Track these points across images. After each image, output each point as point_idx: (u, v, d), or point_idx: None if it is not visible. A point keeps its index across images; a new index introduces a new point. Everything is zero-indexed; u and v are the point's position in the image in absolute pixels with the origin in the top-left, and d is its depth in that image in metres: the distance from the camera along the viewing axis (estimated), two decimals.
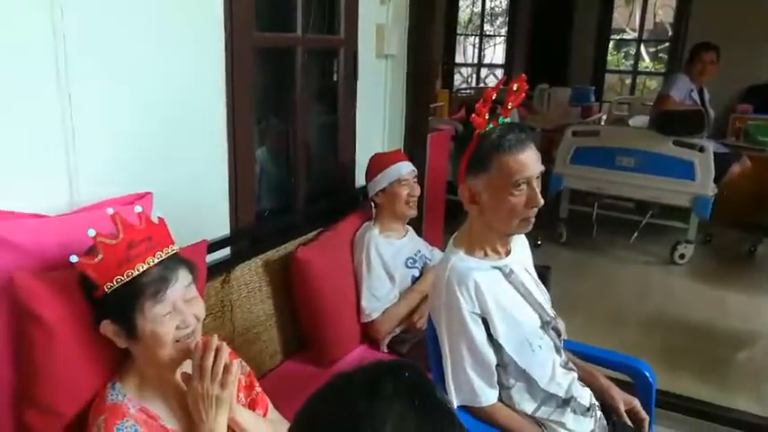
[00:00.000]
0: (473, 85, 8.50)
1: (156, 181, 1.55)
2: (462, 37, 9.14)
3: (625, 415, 1.47)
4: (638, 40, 7.56)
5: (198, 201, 1.76)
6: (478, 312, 1.34)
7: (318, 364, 2.00)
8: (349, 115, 2.46)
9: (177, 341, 1.08)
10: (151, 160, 1.58)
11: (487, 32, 9.15)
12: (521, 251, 1.54)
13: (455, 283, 1.34)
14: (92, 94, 1.39)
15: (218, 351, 1.06)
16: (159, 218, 1.13)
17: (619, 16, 8.01)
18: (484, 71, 8.97)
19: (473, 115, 1.36)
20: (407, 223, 2.32)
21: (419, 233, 2.51)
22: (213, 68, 1.77)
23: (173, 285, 1.06)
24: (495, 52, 9.17)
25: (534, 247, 4.37)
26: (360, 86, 2.49)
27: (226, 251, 1.87)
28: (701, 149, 3.96)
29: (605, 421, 1.47)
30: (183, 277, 1.09)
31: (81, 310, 1.10)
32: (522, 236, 1.62)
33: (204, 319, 1.73)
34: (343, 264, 2.10)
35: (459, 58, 9.16)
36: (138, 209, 1.07)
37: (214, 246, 1.79)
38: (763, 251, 4.54)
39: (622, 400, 1.49)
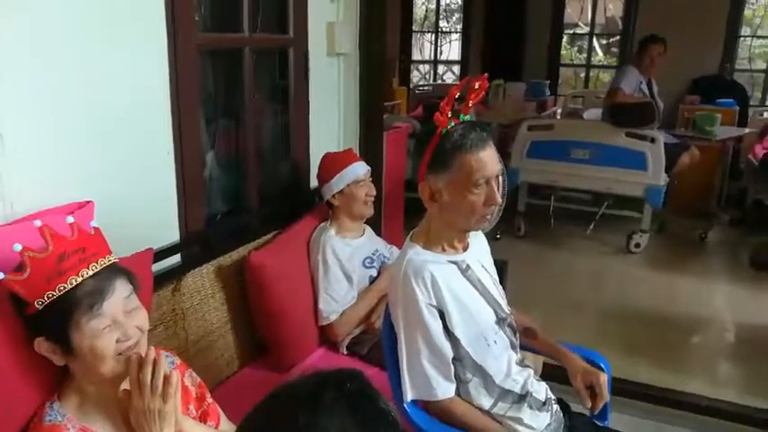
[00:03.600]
0: (431, 81, 8.52)
1: (100, 188, 1.50)
2: (419, 34, 9.17)
3: (583, 392, 1.47)
4: (590, 35, 7.70)
5: (144, 207, 1.70)
6: (435, 305, 1.34)
7: (277, 370, 1.96)
8: (301, 115, 2.43)
9: (119, 354, 1.04)
10: (94, 167, 1.53)
11: (443, 29, 9.20)
12: (478, 248, 1.54)
13: (412, 276, 1.34)
14: (23, 97, 1.33)
15: (155, 363, 1.02)
16: (95, 227, 1.08)
17: (571, 11, 8.14)
18: (442, 68, 9.02)
19: (436, 114, 1.36)
20: (365, 222, 2.30)
21: (378, 232, 2.49)
22: (157, 70, 1.71)
23: (110, 297, 1.02)
24: (452, 49, 9.22)
25: (493, 240, 4.49)
26: (312, 86, 2.46)
27: (176, 258, 1.82)
28: (653, 140, 4.06)
29: (562, 414, 1.48)
30: (121, 288, 1.04)
31: (14, 327, 1.05)
32: (481, 233, 1.63)
33: (156, 329, 1.71)
34: (299, 266, 2.07)
35: (416, 55, 9.19)
36: (70, 219, 1.02)
37: (163, 253, 1.74)
38: (714, 237, 4.68)
39: (580, 375, 1.47)
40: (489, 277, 1.49)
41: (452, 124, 1.35)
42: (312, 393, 0.67)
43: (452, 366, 1.35)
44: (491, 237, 4.67)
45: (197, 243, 1.93)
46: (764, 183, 4.41)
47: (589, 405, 1.47)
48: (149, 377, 1.00)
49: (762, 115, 5.69)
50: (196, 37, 1.83)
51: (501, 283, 1.59)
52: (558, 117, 6.29)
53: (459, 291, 1.39)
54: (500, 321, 1.44)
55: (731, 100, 5.73)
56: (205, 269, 1.88)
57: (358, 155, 2.51)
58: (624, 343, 3.05)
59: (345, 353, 2.08)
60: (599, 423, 1.52)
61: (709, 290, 3.78)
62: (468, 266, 1.44)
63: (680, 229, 4.82)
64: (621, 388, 2.45)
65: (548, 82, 6.65)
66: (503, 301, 1.50)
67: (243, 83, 2.13)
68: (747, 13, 7.05)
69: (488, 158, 1.33)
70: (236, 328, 1.99)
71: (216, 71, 2.22)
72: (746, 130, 5.36)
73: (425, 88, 7.59)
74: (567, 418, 1.49)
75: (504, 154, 4.41)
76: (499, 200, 1.36)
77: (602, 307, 3.52)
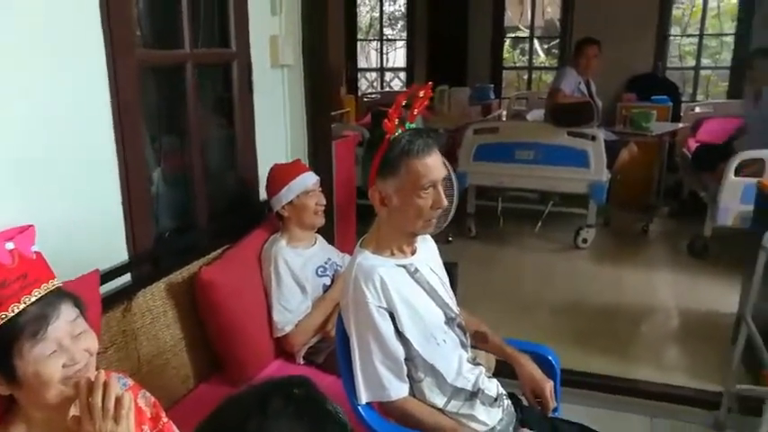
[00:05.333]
0: (378, 89, 8.59)
1: (42, 211, 1.47)
2: (365, 42, 9.24)
3: (532, 401, 1.54)
4: (530, 37, 7.91)
5: (90, 228, 1.67)
6: (385, 307, 1.38)
7: (234, 384, 1.95)
8: (247, 128, 2.43)
9: (67, 378, 1.03)
10: (34, 189, 1.50)
11: (388, 37, 9.29)
12: (427, 251, 1.58)
13: (362, 280, 1.38)
14: None
15: (106, 386, 1.01)
16: (36, 252, 1.07)
17: (512, 15, 8.35)
18: (389, 75, 9.10)
19: (385, 120, 1.41)
20: (317, 231, 2.32)
21: (331, 241, 2.51)
22: (98, 89, 1.69)
23: (54, 322, 1.01)
24: (398, 56, 9.31)
25: (446, 243, 4.57)
26: (257, 98, 2.46)
27: (126, 278, 1.80)
28: (593, 138, 4.21)
29: (513, 408, 1.53)
30: (66, 312, 1.03)
31: None
32: (429, 237, 1.67)
33: (106, 351, 1.68)
34: (251, 279, 2.07)
35: (363, 63, 9.25)
36: (10, 245, 1.00)
37: (111, 273, 1.72)
38: (655, 229, 4.88)
39: (528, 386, 1.54)
40: (438, 279, 1.53)
41: (400, 131, 1.40)
42: (260, 401, 0.68)
43: (405, 367, 1.39)
44: (443, 240, 4.75)
45: (146, 262, 1.91)
46: (697, 175, 4.61)
47: (539, 409, 1.54)
48: (100, 400, 0.99)
49: (693, 110, 5.95)
50: (136, 54, 1.82)
51: (452, 284, 1.64)
52: (504, 119, 6.44)
53: (408, 293, 1.43)
54: (449, 321, 1.48)
55: (665, 97, 5.97)
56: (156, 287, 1.87)
57: (307, 165, 2.53)
58: (575, 335, 3.14)
59: (302, 362, 2.09)
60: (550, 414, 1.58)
61: (653, 279, 3.94)
62: (416, 269, 1.48)
63: (624, 223, 5.00)
64: (575, 379, 2.55)
65: (492, 85, 6.79)
66: (452, 302, 1.54)
67: (186, 98, 2.12)
68: (676, 12, 7.38)
69: (434, 164, 1.39)
70: (190, 345, 1.97)
71: (159, 87, 2.21)
72: (680, 125, 5.61)
73: (373, 96, 7.66)
74: (519, 412, 1.54)
75: (452, 158, 4.51)
76: (445, 203, 1.41)
77: (553, 302, 3.62)
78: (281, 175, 2.24)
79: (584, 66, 4.45)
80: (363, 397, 1.38)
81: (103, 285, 1.64)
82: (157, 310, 1.86)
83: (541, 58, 9.27)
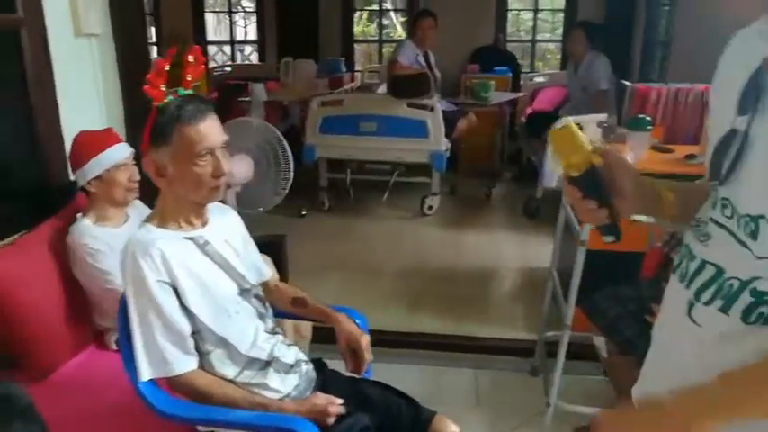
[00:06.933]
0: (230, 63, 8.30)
1: None
2: (221, 14, 8.87)
3: (344, 354, 1.56)
4: (380, 10, 8.02)
5: None
6: (167, 281, 1.34)
7: (34, 380, 1.81)
8: (46, 102, 2.23)
9: None
10: None
11: (239, 9, 8.96)
12: (223, 224, 1.54)
13: (139, 255, 1.34)
14: None
15: None
16: None
17: None
18: (249, 48, 8.80)
19: (146, 87, 1.35)
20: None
21: None
22: None
23: None
24: (251, 29, 9.03)
25: (299, 217, 4.54)
26: (61, 70, 2.26)
27: None
28: (432, 109, 4.35)
29: (314, 374, 1.55)
30: None
31: None
32: (230, 210, 1.64)
33: None
34: (49, 266, 1.91)
35: (215, 36, 8.88)
36: None
37: None
38: (497, 194, 5.20)
39: (344, 338, 1.55)
40: (233, 251, 1.51)
41: (170, 98, 1.35)
42: None
43: (191, 340, 1.36)
44: (296, 214, 4.74)
45: None
46: (530, 141, 4.93)
47: (350, 367, 1.56)
48: None
49: (531, 80, 6.35)
50: None
51: (276, 257, 1.62)
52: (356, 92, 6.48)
53: (196, 266, 1.40)
54: (244, 293, 1.47)
55: (506, 68, 6.31)
56: None
57: (125, 136, 2.37)
58: (414, 298, 3.28)
59: (115, 348, 1.98)
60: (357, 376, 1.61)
61: (491, 241, 4.19)
62: (206, 242, 1.44)
63: (469, 190, 5.26)
64: (406, 340, 2.65)
65: (343, 58, 6.79)
66: (249, 274, 1.52)
67: None
68: None
69: (209, 130, 1.36)
70: None
71: None
72: (520, 95, 5.97)
73: (226, 69, 7.39)
74: (321, 377, 1.56)
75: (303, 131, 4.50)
76: (226, 171, 1.38)
77: (397, 267, 3.74)
78: (87, 145, 2.04)
79: (421, 38, 4.57)
80: (146, 374, 1.34)
81: None
82: None
83: (399, 31, 9.43)
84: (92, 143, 2.06)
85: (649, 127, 2.58)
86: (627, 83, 3.42)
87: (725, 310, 0.79)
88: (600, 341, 2.35)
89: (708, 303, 0.81)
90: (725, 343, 0.79)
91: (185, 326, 1.35)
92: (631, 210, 0.94)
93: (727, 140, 0.80)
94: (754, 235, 0.76)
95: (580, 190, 0.89)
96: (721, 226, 0.83)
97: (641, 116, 2.63)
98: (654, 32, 5.51)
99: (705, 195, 0.91)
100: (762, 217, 0.74)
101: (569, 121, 0.90)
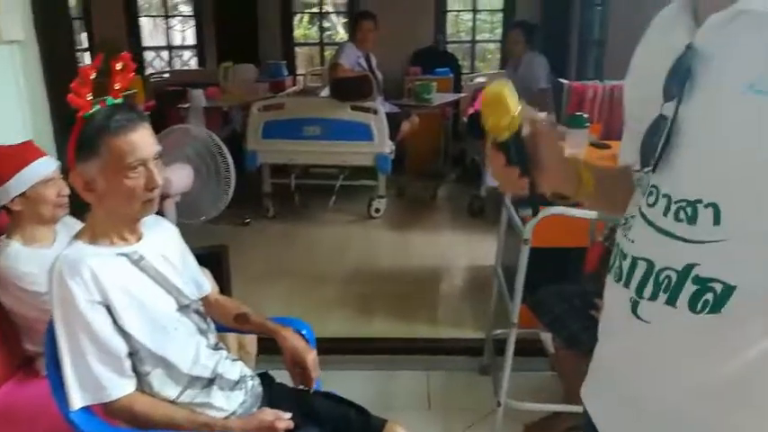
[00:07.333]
0: (168, 69, 8.08)
1: None
2: (158, 19, 8.61)
3: (291, 371, 1.52)
4: (320, 13, 7.98)
5: None
6: (99, 300, 1.27)
7: None
8: None
9: None
10: None
11: (176, 13, 8.73)
12: (158, 237, 1.47)
13: (66, 275, 1.26)
14: None
15: None
16: None
17: None
18: (188, 54, 8.57)
19: (70, 96, 1.29)
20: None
21: None
22: None
23: None
24: (189, 33, 8.81)
25: (243, 225, 4.43)
26: None
27: None
28: (375, 112, 4.33)
29: (260, 389, 1.50)
30: None
31: None
32: (167, 223, 1.57)
33: None
34: None
35: (151, 42, 8.61)
36: None
37: None
38: (442, 194, 5.23)
39: (289, 355, 1.50)
40: (170, 266, 1.44)
41: (98, 107, 1.29)
42: None
43: (128, 361, 1.29)
44: (239, 222, 4.62)
45: None
46: (473, 141, 4.98)
47: (299, 384, 1.52)
48: None
49: (472, 81, 6.42)
50: None
51: (218, 268, 1.56)
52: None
53: (131, 284, 1.33)
54: (183, 309, 1.40)
55: (447, 69, 6.36)
56: None
57: (54, 148, 2.25)
58: (362, 302, 3.23)
59: (45, 373, 1.87)
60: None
61: (437, 241, 4.20)
62: (141, 257, 1.37)
63: (416, 191, 5.27)
64: (355, 346, 2.62)
65: (284, 62, 6.71)
66: (188, 288, 1.46)
67: None
68: None
69: (140, 140, 1.29)
70: None
71: None
72: (461, 95, 6.02)
73: (164, 75, 7.19)
74: (267, 390, 1.52)
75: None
76: (159, 182, 1.32)
77: (344, 272, 3.69)
78: (5, 160, 1.91)
79: (362, 40, 4.55)
80: (78, 401, 1.25)
81: None
82: None
83: (341, 34, 9.37)
84: (11, 158, 1.93)
85: (587, 124, 2.64)
86: (564, 81, 3.49)
87: (671, 302, 0.77)
88: (547, 337, 2.39)
89: (652, 299, 0.80)
90: (676, 335, 0.78)
91: (120, 347, 1.28)
92: (550, 184, 0.94)
93: (655, 127, 0.80)
94: (692, 219, 0.75)
95: (504, 155, 0.88)
96: (644, 217, 0.82)
97: (579, 114, 2.69)
98: (589, 32, 5.68)
99: (627, 181, 0.91)
100: (699, 201, 0.74)
101: (506, 82, 0.87)
